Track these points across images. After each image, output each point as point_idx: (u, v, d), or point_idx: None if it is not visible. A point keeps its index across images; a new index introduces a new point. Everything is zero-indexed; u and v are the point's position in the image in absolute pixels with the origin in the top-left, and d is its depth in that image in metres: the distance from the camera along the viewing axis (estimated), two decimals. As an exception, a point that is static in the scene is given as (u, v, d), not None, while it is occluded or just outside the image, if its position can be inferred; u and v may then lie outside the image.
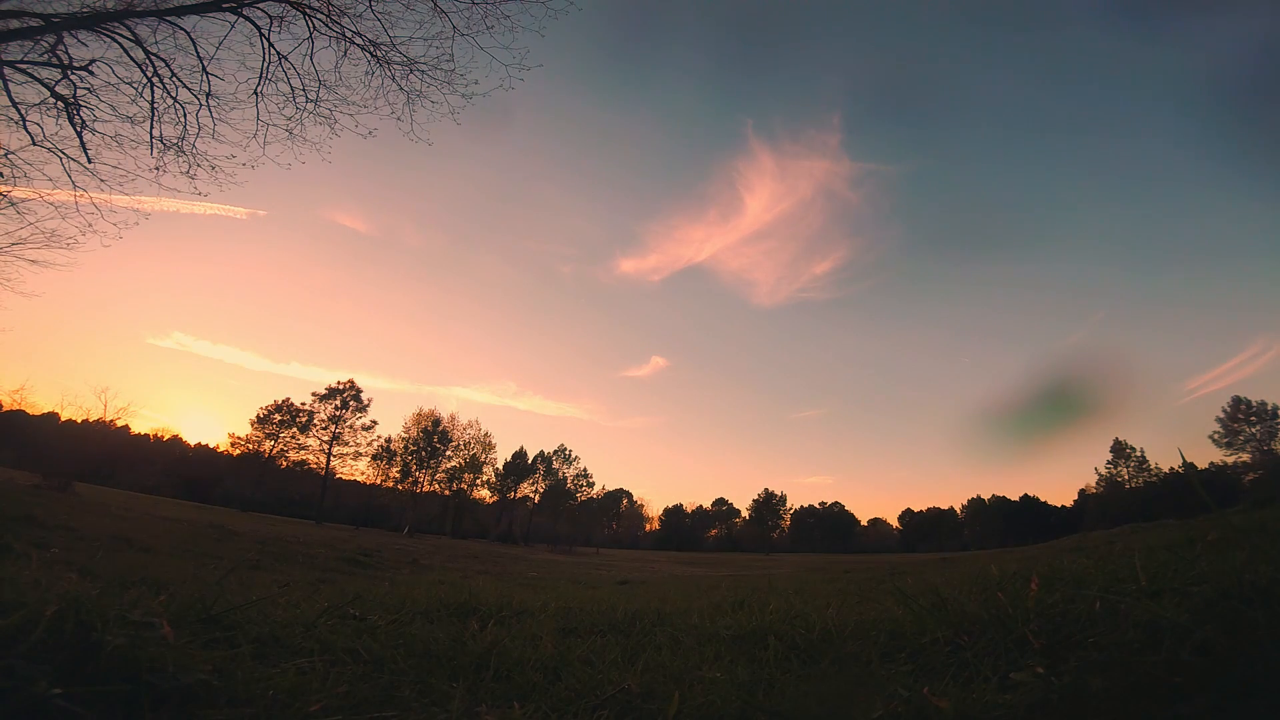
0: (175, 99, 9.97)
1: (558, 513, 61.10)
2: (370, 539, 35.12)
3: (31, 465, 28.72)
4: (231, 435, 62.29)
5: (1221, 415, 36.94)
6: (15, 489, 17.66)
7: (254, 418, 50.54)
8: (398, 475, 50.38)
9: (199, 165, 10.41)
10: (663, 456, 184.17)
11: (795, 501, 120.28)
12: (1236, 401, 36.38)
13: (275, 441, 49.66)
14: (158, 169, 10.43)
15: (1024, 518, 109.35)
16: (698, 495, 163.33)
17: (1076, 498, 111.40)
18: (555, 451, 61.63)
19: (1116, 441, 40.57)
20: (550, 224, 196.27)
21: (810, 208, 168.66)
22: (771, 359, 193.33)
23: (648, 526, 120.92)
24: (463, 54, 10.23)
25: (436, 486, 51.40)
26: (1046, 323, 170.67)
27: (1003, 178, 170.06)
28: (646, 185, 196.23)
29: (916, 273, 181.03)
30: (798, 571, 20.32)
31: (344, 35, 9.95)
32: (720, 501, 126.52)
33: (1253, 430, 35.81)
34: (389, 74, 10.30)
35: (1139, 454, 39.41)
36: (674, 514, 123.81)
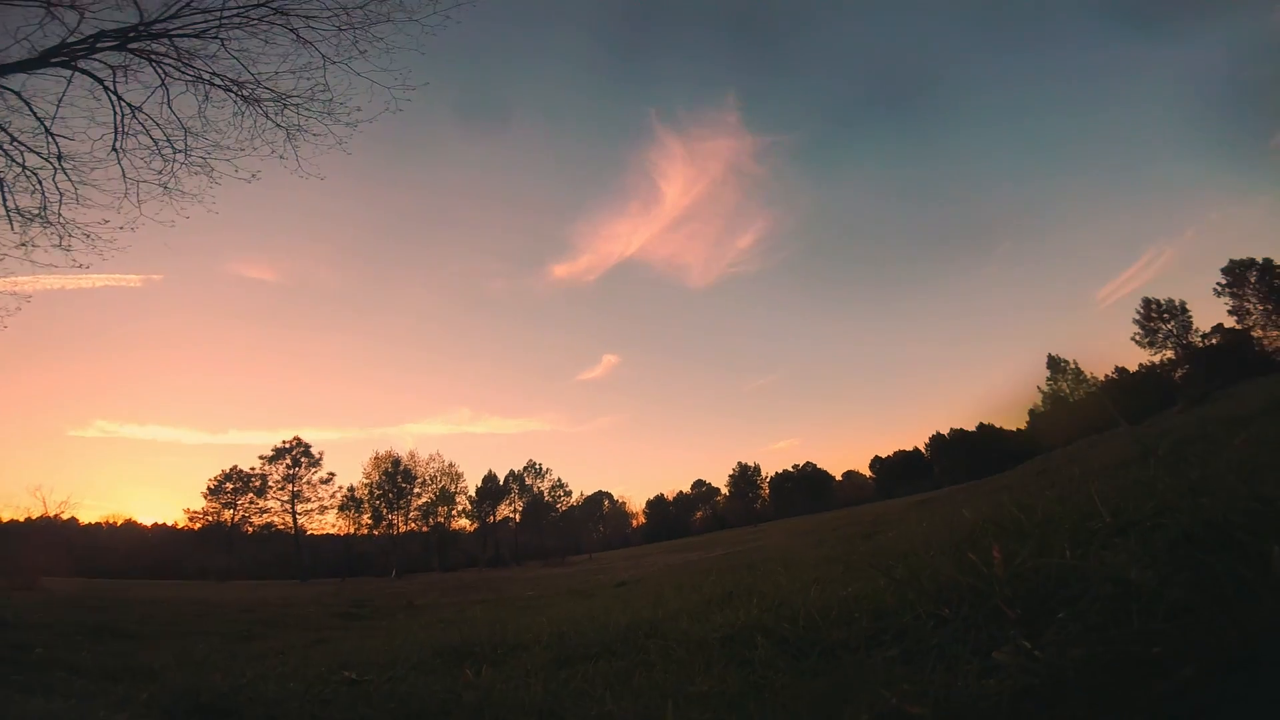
0: (24, 166, 8.99)
1: (541, 527, 60.31)
2: (359, 588, 33.76)
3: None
4: (187, 510, 58.71)
5: (1137, 317, 39.60)
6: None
7: (205, 490, 47.90)
8: (370, 521, 48.64)
9: (70, 235, 9.44)
10: (634, 451, 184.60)
11: (770, 468, 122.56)
12: (1147, 303, 39.10)
13: (234, 510, 47.07)
14: (24, 245, 9.44)
15: (986, 446, 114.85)
16: (677, 482, 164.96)
17: (1028, 419, 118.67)
18: (525, 468, 60.75)
19: (1050, 357, 43.06)
20: (472, 243, 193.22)
21: (724, 186, 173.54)
22: (717, 336, 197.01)
23: (634, 522, 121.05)
24: (338, 82, 9.58)
25: (413, 525, 49.91)
26: (962, 258, 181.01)
27: (894, 128, 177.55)
28: (565, 188, 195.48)
29: (835, 231, 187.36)
30: (785, 539, 20.61)
31: (200, 78, 9.14)
32: (699, 483, 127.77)
33: (1168, 327, 38.42)
34: (260, 112, 9.55)
35: (1074, 366, 41.99)
36: (657, 505, 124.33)
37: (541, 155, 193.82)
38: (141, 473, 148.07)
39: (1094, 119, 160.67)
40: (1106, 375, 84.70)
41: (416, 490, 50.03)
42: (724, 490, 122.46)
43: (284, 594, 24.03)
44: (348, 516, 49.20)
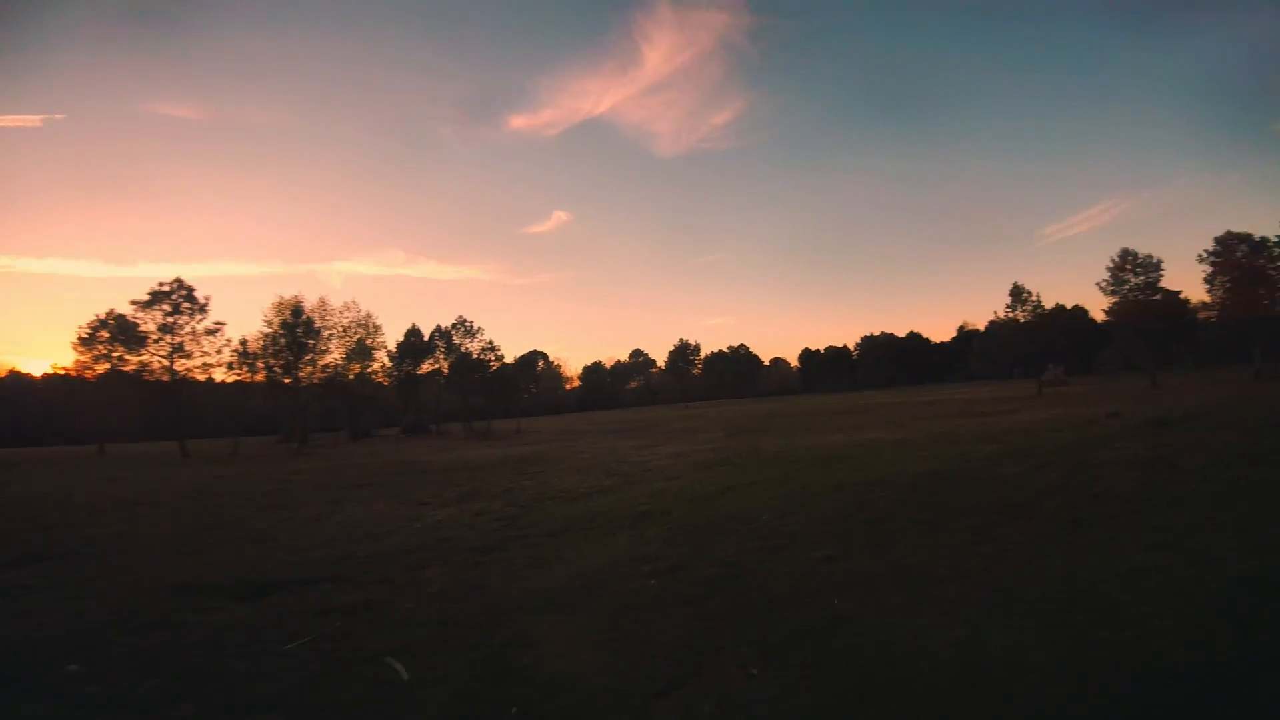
0: None
1: (468, 387, 57.11)
2: (248, 456, 30.46)
3: None
4: (54, 364, 51.33)
5: (1111, 264, 38.76)
6: None
7: (76, 339, 39.98)
8: (264, 379, 43.24)
9: None
10: (575, 313, 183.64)
11: (706, 346, 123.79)
12: (1125, 253, 37.99)
13: (109, 362, 39.80)
14: None
15: (911, 355, 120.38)
16: (615, 350, 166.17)
17: (957, 333, 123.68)
18: (455, 325, 55.96)
19: (1015, 285, 42.38)
20: (424, 88, 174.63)
21: (710, 59, 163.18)
22: (674, 208, 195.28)
23: (568, 385, 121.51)
24: None
25: (318, 381, 44.85)
26: (931, 171, 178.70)
27: (894, 37, 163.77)
28: (535, 39, 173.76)
29: (810, 123, 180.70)
30: (717, 445, 18.94)
31: None
32: (638, 353, 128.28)
33: (1136, 280, 37.87)
34: None
35: (1035, 298, 41.55)
36: (594, 371, 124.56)
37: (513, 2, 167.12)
38: (39, 313, 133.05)
39: (1081, 69, 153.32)
40: (1057, 304, 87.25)
41: (322, 346, 44.51)
42: (660, 363, 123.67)
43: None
44: (240, 374, 43.59)
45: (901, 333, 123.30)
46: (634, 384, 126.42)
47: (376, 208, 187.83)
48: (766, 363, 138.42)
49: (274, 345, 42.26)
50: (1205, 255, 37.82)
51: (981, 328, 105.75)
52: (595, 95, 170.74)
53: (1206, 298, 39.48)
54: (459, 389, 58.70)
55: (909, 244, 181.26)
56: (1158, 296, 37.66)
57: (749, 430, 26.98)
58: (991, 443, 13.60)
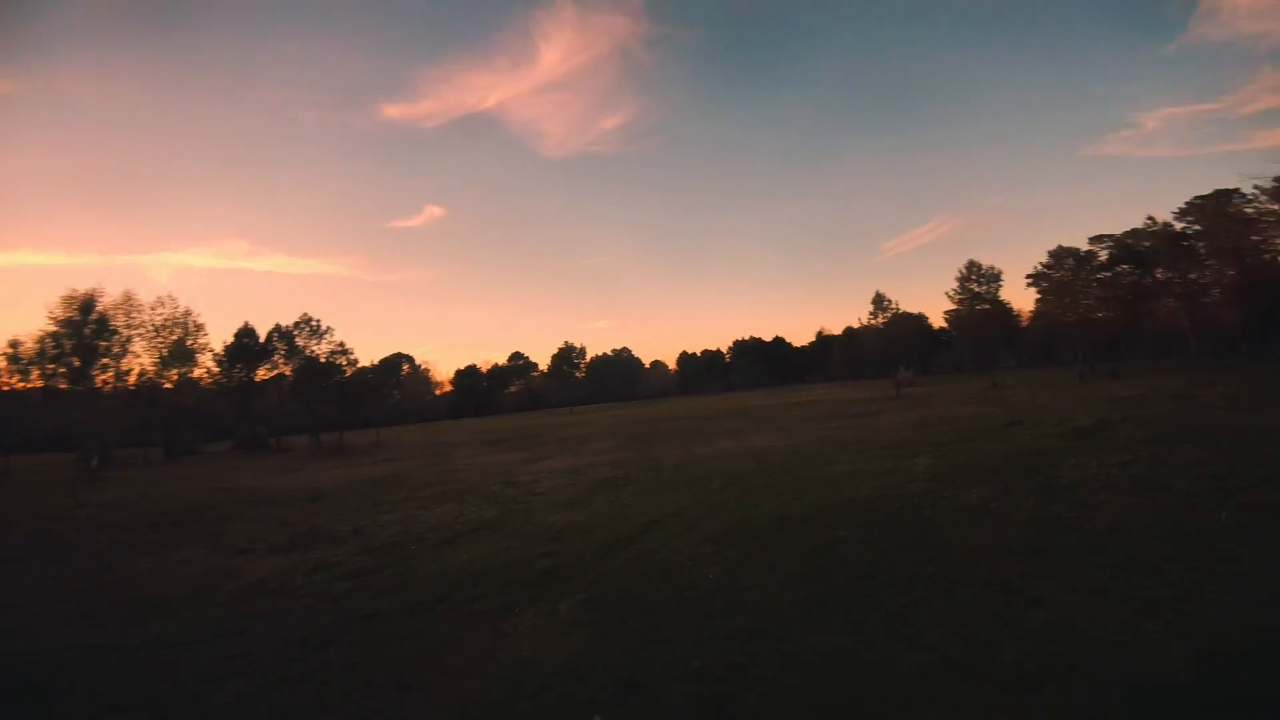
0: None
1: (316, 395, 49.97)
2: (21, 481, 23.11)
3: None
4: None
5: (959, 275, 43.31)
6: None
7: None
8: (40, 385, 33.89)
9: None
10: (448, 314, 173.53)
11: (590, 349, 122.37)
12: (971, 264, 42.72)
13: None
14: None
15: (777, 357, 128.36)
16: (492, 353, 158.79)
17: (816, 337, 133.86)
18: (298, 325, 48.69)
19: (877, 294, 45.94)
20: (287, 69, 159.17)
21: (606, 63, 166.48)
22: (559, 209, 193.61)
23: (438, 391, 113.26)
24: None
25: (123, 389, 36.14)
26: (792, 187, 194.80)
27: (778, 55, 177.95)
28: (418, 27, 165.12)
29: (695, 135, 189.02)
30: (612, 457, 17.07)
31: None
32: (517, 356, 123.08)
33: (980, 290, 42.66)
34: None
35: (895, 305, 45.31)
36: (468, 375, 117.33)
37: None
38: None
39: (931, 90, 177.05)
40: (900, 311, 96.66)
41: (120, 348, 35.91)
42: (542, 366, 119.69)
43: None
44: (8, 380, 33.83)
45: (768, 337, 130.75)
46: (514, 388, 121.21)
47: (217, 194, 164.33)
48: (647, 366, 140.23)
49: (54, 347, 33.23)
50: (1039, 266, 44.35)
51: (838, 332, 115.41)
52: (483, 90, 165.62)
53: (1030, 306, 46.54)
54: (305, 397, 51.19)
55: (775, 254, 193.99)
56: (986, 307, 43.04)
57: (641, 437, 25.63)
58: (909, 455, 12.55)
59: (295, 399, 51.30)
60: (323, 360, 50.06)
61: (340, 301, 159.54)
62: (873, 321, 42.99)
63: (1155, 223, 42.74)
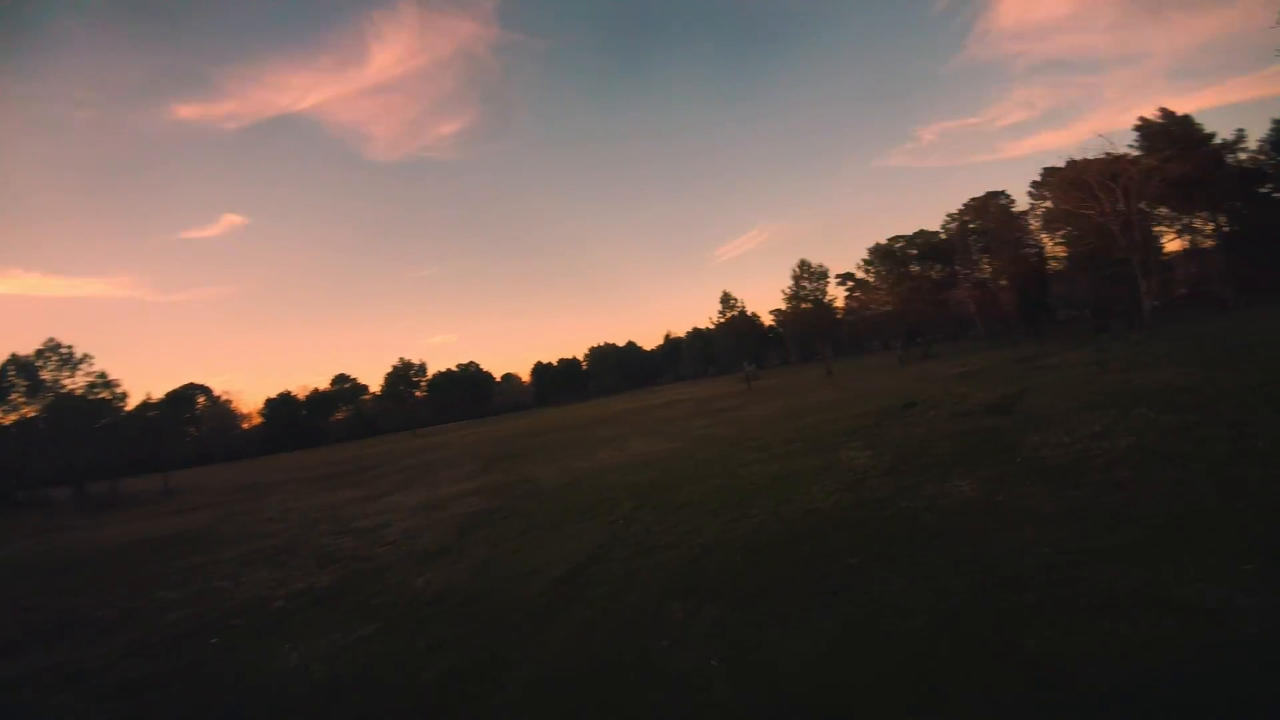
0: None
1: (76, 438, 39.29)
2: None
3: None
4: None
5: (794, 273, 46.66)
6: None
7: None
8: None
9: None
10: (252, 337, 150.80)
11: (426, 364, 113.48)
12: (803, 263, 46.31)
13: None
14: None
15: (631, 361, 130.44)
16: (312, 377, 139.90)
17: (664, 340, 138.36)
18: (41, 353, 37.57)
19: (724, 294, 47.75)
20: (59, 65, 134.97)
21: (446, 68, 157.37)
22: (387, 217, 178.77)
23: (246, 424, 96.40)
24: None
25: None
26: (631, 199, 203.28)
27: (631, 58, 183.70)
28: (223, 24, 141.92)
29: (541, 144, 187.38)
30: (479, 483, 14.31)
31: None
32: (342, 379, 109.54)
33: (812, 286, 46.34)
34: None
35: (741, 304, 47.44)
36: (282, 404, 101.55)
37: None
38: None
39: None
40: (741, 311, 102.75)
41: None
42: (374, 388, 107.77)
43: None
44: None
45: (621, 342, 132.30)
46: (341, 414, 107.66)
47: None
48: (499, 379, 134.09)
49: None
50: (860, 264, 50.72)
51: (683, 334, 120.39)
52: (300, 90, 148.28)
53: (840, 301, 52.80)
54: (63, 441, 39.50)
55: (623, 263, 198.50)
56: (808, 305, 47.11)
57: (507, 457, 22.81)
58: (830, 449, 11.20)
59: (56, 444, 39.26)
60: (78, 395, 39.01)
61: (116, 327, 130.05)
62: (721, 319, 44.39)
63: (952, 219, 51.13)
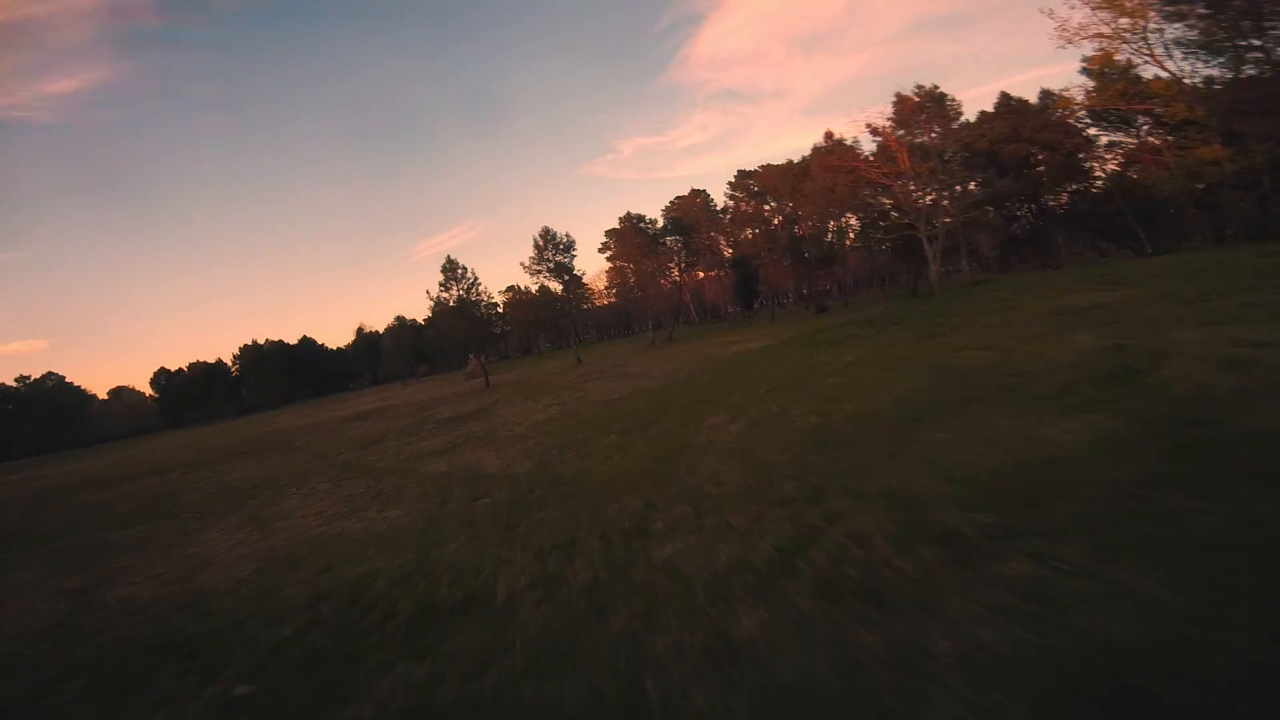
0: None
1: None
2: None
3: None
4: None
5: (537, 243, 40.39)
6: None
7: None
8: None
9: None
10: None
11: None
12: (547, 231, 40.17)
13: None
14: None
15: (307, 362, 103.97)
16: None
17: (356, 335, 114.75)
18: None
19: (449, 260, 38.21)
20: None
21: (76, 19, 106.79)
22: None
23: None
24: None
25: None
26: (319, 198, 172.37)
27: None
28: None
29: (200, 109, 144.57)
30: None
31: None
32: None
33: (556, 259, 40.52)
34: None
35: (473, 276, 38.87)
36: None
37: None
38: None
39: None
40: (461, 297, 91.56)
41: None
42: None
43: None
44: None
45: (294, 339, 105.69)
46: None
47: None
48: (103, 396, 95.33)
49: None
50: (602, 245, 47.59)
51: (381, 329, 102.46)
52: None
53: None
54: None
55: (296, 249, 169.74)
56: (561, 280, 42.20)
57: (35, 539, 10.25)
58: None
59: None
60: None
61: None
62: (444, 295, 34.72)
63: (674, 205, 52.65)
